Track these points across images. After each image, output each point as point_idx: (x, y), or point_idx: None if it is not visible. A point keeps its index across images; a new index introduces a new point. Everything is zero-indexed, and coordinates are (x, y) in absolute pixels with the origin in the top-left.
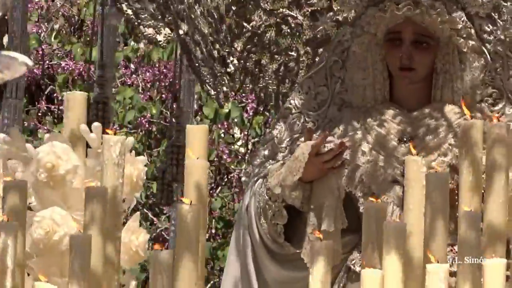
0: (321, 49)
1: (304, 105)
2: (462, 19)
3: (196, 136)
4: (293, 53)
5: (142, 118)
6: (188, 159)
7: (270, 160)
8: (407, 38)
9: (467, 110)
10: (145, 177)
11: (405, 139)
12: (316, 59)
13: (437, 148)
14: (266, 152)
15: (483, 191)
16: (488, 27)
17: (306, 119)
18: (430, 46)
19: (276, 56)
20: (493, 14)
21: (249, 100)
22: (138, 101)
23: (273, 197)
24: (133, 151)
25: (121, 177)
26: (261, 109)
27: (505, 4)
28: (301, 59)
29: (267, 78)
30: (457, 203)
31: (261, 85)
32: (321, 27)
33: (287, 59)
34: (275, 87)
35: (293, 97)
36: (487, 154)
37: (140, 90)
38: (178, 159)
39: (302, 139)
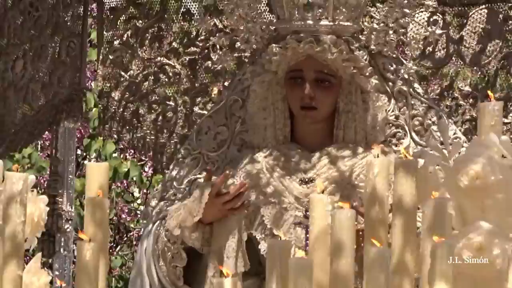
0: (199, 98)
1: (203, 146)
2: (365, 57)
3: (95, 173)
4: (171, 103)
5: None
6: (88, 195)
7: (169, 202)
8: (309, 76)
9: (377, 149)
10: (46, 217)
11: (307, 179)
12: (195, 109)
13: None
14: (164, 194)
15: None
16: (391, 65)
17: (206, 160)
18: (332, 85)
19: (154, 106)
20: (396, 53)
21: (148, 158)
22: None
23: (172, 239)
24: (35, 190)
25: (23, 215)
26: (160, 168)
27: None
28: (179, 108)
29: (145, 128)
30: (362, 244)
31: (139, 135)
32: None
33: (165, 108)
34: (153, 137)
35: (192, 138)
36: (394, 191)
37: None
38: (54, 209)
39: (202, 180)
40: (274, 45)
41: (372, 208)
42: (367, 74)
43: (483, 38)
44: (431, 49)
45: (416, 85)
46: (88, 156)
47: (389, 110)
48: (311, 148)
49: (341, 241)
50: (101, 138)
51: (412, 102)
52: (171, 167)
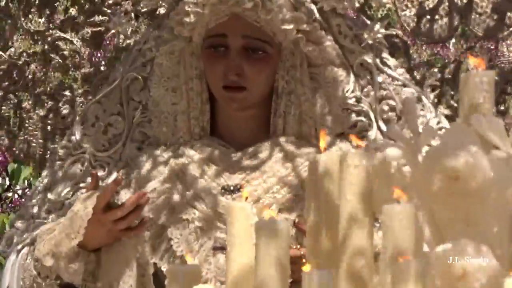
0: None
1: (89, 142)
2: (314, 16)
3: None
4: (66, 93)
5: None
6: None
7: (40, 221)
8: (235, 43)
9: (323, 141)
10: None
11: (231, 188)
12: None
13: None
14: (34, 210)
15: None
16: (351, 28)
17: (93, 162)
18: (268, 56)
19: (43, 98)
20: (358, 12)
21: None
22: None
23: (43, 272)
24: None
25: None
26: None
27: None
28: (78, 101)
29: (30, 129)
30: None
31: (21, 137)
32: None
33: (58, 101)
34: (41, 141)
35: (73, 132)
36: (341, 197)
37: None
38: None
39: (85, 190)
40: (186, 0)
41: (314, 222)
42: (317, 40)
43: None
44: (427, 19)
45: (385, 54)
46: None
47: (347, 91)
48: (239, 145)
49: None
50: None
51: (380, 80)
52: (43, 173)
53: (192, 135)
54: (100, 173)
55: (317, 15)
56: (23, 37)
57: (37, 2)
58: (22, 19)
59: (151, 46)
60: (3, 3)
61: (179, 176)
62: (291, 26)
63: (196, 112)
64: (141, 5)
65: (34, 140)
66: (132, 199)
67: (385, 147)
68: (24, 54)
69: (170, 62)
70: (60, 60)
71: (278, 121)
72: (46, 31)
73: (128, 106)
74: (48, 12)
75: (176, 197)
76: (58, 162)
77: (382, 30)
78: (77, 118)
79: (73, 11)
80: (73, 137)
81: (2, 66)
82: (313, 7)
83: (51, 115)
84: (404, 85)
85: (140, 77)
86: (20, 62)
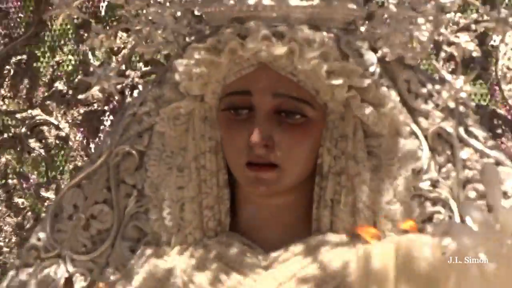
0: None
1: (65, 242)
2: (373, 67)
3: None
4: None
5: None
6: None
7: None
8: (263, 104)
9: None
10: None
11: None
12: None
13: None
14: None
15: None
16: (423, 85)
17: (69, 268)
18: (308, 121)
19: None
20: (435, 63)
21: None
22: None
23: None
24: None
25: None
26: None
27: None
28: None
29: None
30: None
31: None
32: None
33: None
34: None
35: (43, 226)
36: None
37: None
38: None
39: None
40: (195, 45)
41: None
42: (377, 100)
43: None
44: None
45: (471, 121)
46: None
47: (419, 171)
48: (268, 246)
49: None
50: None
51: (465, 156)
52: (3, 284)
53: (206, 231)
54: (80, 284)
55: (376, 67)
56: None
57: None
58: None
59: (149, 110)
60: None
61: (187, 273)
62: (340, 81)
63: (210, 199)
64: (137, 51)
65: None
66: None
67: (457, 233)
68: None
69: (174, 131)
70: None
71: (323, 213)
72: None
73: (118, 192)
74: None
75: None
76: (25, 269)
77: (468, 88)
78: (47, 207)
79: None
80: (42, 234)
81: None
82: (371, 55)
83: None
84: (498, 163)
85: (134, 151)
86: None
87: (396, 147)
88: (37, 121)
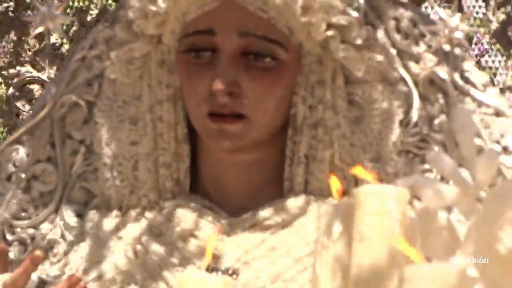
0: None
1: (3, 206)
2: (355, 4)
3: None
4: None
5: None
6: None
7: None
8: (228, 44)
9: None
10: None
11: (222, 269)
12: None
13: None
14: None
15: None
16: (415, 24)
17: (7, 234)
18: (280, 65)
19: None
20: None
21: None
22: None
23: None
24: None
25: None
26: None
27: None
28: None
29: None
30: None
31: None
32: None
33: None
34: None
35: None
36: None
37: None
38: None
39: None
40: None
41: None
42: (361, 42)
43: None
44: None
45: (469, 65)
46: None
47: (408, 123)
48: (233, 207)
49: None
50: None
51: (459, 99)
52: None
53: (162, 193)
54: (18, 254)
55: (360, 1)
56: None
57: None
58: None
59: (100, 53)
60: None
61: (141, 256)
62: (317, 18)
63: (167, 156)
64: None
65: None
66: (63, 283)
67: (424, 185)
68: None
69: (127, 77)
70: None
71: (297, 171)
72: None
73: (63, 148)
74: None
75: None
76: None
77: (465, 27)
78: None
79: None
80: None
81: None
82: None
83: None
84: (498, 114)
85: (82, 102)
86: None
87: (382, 96)
88: (26, 79)
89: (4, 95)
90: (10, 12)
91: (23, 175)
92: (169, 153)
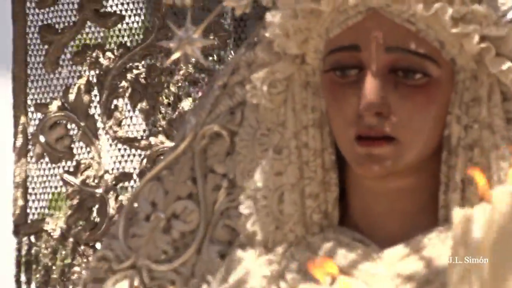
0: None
1: (141, 249)
2: (510, 14)
3: None
4: None
5: None
6: None
7: None
8: (375, 60)
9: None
10: None
11: None
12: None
13: None
14: None
15: None
16: None
17: (147, 280)
18: (432, 82)
19: None
20: None
21: None
22: None
23: None
24: None
25: None
26: None
27: None
28: None
29: None
30: None
31: None
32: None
33: None
34: None
35: (115, 232)
36: None
37: None
38: None
39: None
40: None
41: None
42: None
43: None
44: None
45: None
46: None
47: None
48: (387, 239)
49: None
50: None
51: None
52: None
53: (309, 227)
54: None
55: None
56: None
57: None
58: None
59: (243, 79)
60: None
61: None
62: (469, 29)
63: (314, 186)
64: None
65: None
66: None
67: None
68: None
69: (270, 101)
70: None
71: (453, 197)
72: None
73: (205, 184)
74: None
75: None
76: (94, 286)
77: None
78: (123, 205)
79: None
80: (114, 242)
81: None
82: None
83: None
84: None
85: (225, 132)
86: None
87: None
88: (160, 150)
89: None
90: (142, 79)
91: (163, 215)
92: (316, 183)
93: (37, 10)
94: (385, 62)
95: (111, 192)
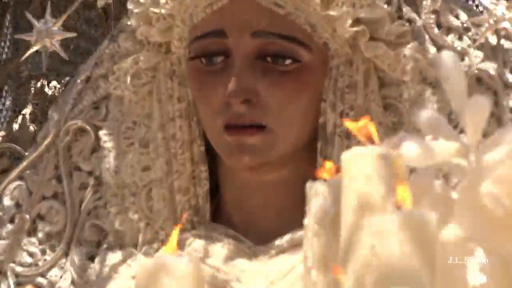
0: None
1: (5, 252)
2: None
3: None
4: None
5: None
6: None
7: None
8: (242, 46)
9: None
10: None
11: None
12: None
13: None
14: None
15: None
16: (456, 16)
17: (11, 284)
18: (303, 67)
19: None
20: None
21: None
22: None
23: None
24: None
25: None
26: None
27: None
28: None
29: None
30: None
31: None
32: None
33: None
34: None
35: None
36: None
37: None
38: None
39: None
40: None
41: None
42: (395, 37)
43: None
44: None
45: None
46: None
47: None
48: (260, 235)
49: None
50: None
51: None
52: None
53: (175, 222)
54: None
55: None
56: None
57: None
58: None
59: (106, 72)
60: None
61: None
62: (341, 11)
63: (183, 180)
64: None
65: None
66: None
67: (411, 144)
68: None
69: (134, 93)
70: None
71: None
72: None
73: (70, 182)
74: None
75: None
76: None
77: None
78: None
79: None
80: None
81: None
82: None
83: None
84: None
85: (89, 127)
86: None
87: (421, 98)
88: None
89: None
90: None
91: (27, 216)
92: (185, 176)
93: None
94: (252, 47)
95: None
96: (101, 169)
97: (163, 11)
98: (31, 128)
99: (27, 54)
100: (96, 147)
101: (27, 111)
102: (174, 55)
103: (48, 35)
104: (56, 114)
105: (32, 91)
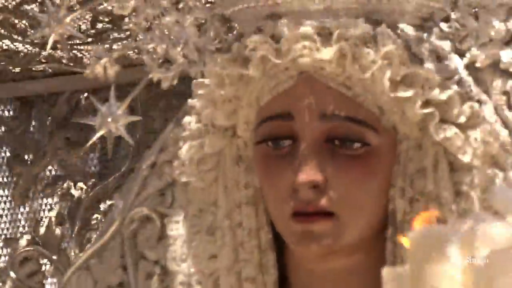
0: None
1: None
2: (456, 76)
3: None
4: None
5: None
6: None
7: None
8: (309, 130)
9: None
10: None
11: None
12: None
13: None
14: None
15: None
16: None
17: None
18: (372, 151)
19: None
20: None
21: None
22: None
23: None
24: None
25: None
26: None
27: None
28: None
29: None
30: None
31: None
32: None
33: None
34: None
35: None
36: None
37: None
38: None
39: None
40: (214, 56)
41: None
42: (465, 120)
43: None
44: None
45: None
46: None
47: None
48: None
49: None
50: None
51: None
52: None
53: None
54: None
55: (462, 73)
56: None
57: None
58: None
59: (172, 157)
60: None
61: None
62: (410, 93)
63: (250, 268)
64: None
65: None
66: None
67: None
68: None
69: (200, 179)
70: None
71: None
72: None
73: (136, 272)
74: None
75: None
76: None
77: None
78: None
79: None
80: None
81: None
82: (455, 59)
83: None
84: None
85: (155, 215)
86: None
87: (494, 184)
88: None
89: None
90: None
91: None
92: (252, 265)
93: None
94: (320, 131)
95: None
96: (167, 258)
97: (228, 93)
98: (58, 231)
99: (93, 139)
100: (162, 236)
101: (53, 213)
102: (240, 139)
103: (113, 119)
104: (121, 202)
105: (59, 193)
